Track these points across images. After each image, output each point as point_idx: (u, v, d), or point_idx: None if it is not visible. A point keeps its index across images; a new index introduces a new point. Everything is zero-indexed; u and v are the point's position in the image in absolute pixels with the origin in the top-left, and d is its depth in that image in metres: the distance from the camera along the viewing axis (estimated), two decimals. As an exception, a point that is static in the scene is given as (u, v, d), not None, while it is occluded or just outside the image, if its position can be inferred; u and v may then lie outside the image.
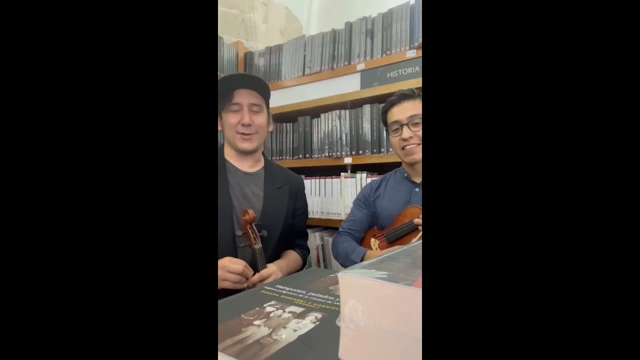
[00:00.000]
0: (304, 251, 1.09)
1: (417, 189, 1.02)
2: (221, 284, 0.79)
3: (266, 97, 0.99)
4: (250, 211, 0.88)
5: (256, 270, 0.85)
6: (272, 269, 0.86)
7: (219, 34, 1.70)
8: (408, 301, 0.23)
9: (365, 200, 1.11)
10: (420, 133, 0.98)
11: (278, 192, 1.00)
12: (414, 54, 1.28)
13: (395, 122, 1.00)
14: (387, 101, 1.04)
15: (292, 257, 1.02)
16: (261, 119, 0.96)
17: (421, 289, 0.22)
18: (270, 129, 1.06)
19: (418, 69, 1.28)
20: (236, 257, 0.86)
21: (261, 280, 0.83)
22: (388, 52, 1.36)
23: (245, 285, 0.82)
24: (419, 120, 0.98)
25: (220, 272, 0.79)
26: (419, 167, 1.02)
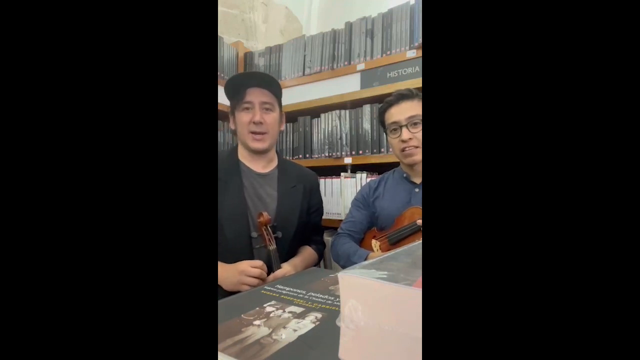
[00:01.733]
0: (320, 246, 1.10)
1: (417, 190, 1.01)
2: (241, 287, 0.81)
3: (278, 95, 0.99)
4: (265, 213, 0.89)
5: (271, 270, 0.87)
6: (286, 269, 0.88)
7: (219, 34, 1.70)
8: (408, 301, 0.23)
9: (364, 200, 1.09)
10: (419, 134, 0.95)
11: (292, 191, 1.01)
12: (414, 54, 1.28)
13: (394, 123, 0.98)
14: (385, 101, 1.02)
15: (307, 253, 1.03)
16: (273, 117, 0.96)
17: (421, 289, 0.22)
18: (282, 127, 1.06)
19: (418, 69, 1.27)
20: (252, 258, 0.88)
21: (261, 267, 0.85)
22: (388, 52, 1.35)
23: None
24: (419, 121, 0.95)
25: (240, 277, 0.81)
26: (419, 167, 1.00)
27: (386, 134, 1.05)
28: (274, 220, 0.94)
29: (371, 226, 1.07)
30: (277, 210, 0.96)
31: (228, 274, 0.84)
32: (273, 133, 0.98)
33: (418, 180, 1.02)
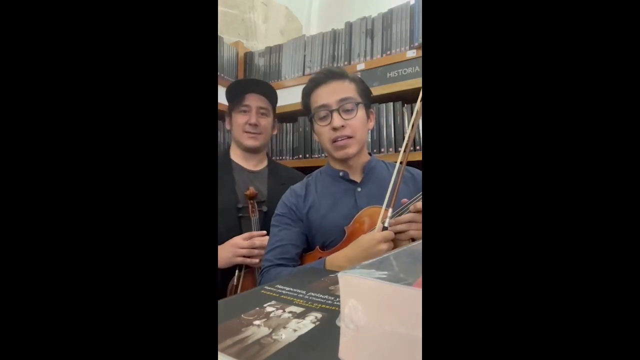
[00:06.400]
0: None
1: (359, 189, 0.81)
2: (236, 260, 0.93)
3: (274, 103, 1.15)
4: (252, 188, 1.02)
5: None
6: (263, 232, 0.97)
7: (219, 34, 1.70)
8: (408, 301, 0.23)
9: (293, 215, 0.82)
10: (353, 122, 0.78)
11: (281, 188, 1.11)
12: (414, 54, 1.28)
13: (323, 107, 0.79)
14: (310, 80, 0.84)
15: None
16: (267, 121, 1.12)
17: (421, 289, 0.22)
18: (275, 131, 1.22)
19: (418, 69, 1.27)
20: (240, 229, 1.01)
21: (251, 237, 0.96)
22: (388, 52, 1.35)
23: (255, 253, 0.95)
24: (352, 107, 0.78)
25: (233, 250, 0.93)
26: (355, 162, 0.83)
27: (312, 122, 0.85)
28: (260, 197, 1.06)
29: (307, 247, 0.82)
30: (266, 204, 1.07)
31: (221, 252, 0.94)
32: (266, 134, 1.13)
33: (358, 177, 0.84)
